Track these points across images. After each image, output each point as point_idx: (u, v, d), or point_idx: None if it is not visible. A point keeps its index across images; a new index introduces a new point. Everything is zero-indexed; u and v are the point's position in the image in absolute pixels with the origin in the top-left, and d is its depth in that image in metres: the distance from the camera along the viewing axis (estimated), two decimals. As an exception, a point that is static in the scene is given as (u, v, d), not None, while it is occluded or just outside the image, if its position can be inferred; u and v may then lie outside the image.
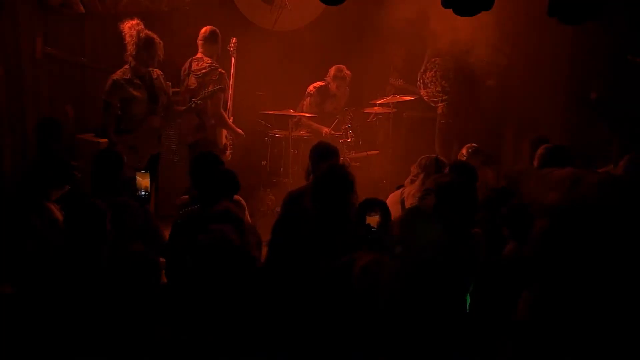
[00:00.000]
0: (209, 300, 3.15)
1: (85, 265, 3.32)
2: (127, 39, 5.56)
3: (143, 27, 5.58)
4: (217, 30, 6.20)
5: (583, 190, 3.44)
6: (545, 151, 4.66)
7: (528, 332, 2.96)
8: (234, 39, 6.47)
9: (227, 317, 3.13)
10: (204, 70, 6.08)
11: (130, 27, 5.54)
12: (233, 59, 6.45)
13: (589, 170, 4.26)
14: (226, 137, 6.44)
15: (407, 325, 3.07)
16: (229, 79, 6.31)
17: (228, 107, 6.38)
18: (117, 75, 5.61)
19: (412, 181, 4.92)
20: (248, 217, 4.54)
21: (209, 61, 6.10)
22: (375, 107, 7.28)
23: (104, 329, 3.22)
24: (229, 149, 6.50)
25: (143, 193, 4.40)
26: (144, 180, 4.43)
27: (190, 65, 6.17)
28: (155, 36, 5.63)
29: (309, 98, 7.26)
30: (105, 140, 5.96)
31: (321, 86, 7.27)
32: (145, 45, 5.57)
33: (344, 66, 7.22)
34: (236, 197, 4.36)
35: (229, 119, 6.37)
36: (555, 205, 3.31)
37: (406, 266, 3.17)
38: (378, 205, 3.61)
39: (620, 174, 4.38)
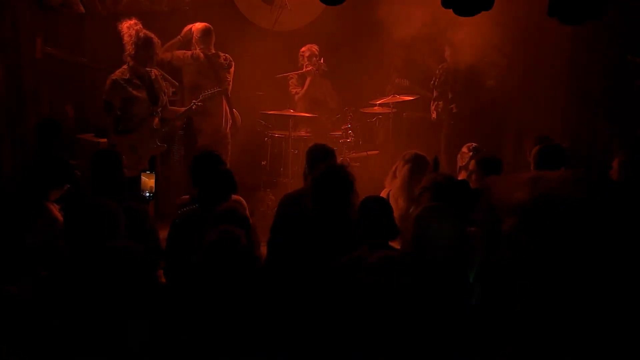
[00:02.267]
0: (210, 300, 3.15)
1: (92, 266, 3.31)
2: (126, 38, 5.56)
3: (141, 26, 5.58)
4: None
5: (545, 186, 3.50)
6: (538, 150, 4.67)
7: (524, 331, 2.97)
8: None
9: (227, 317, 3.13)
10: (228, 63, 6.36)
11: (129, 27, 5.54)
12: None
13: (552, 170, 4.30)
14: None
15: (409, 324, 3.07)
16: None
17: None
18: (117, 75, 5.60)
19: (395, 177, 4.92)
20: (249, 217, 4.54)
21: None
22: (375, 107, 7.28)
23: (104, 329, 3.22)
24: None
25: (148, 194, 4.40)
26: (149, 181, 4.43)
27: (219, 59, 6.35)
28: (153, 36, 5.63)
29: (291, 80, 7.41)
30: (105, 140, 5.96)
31: (300, 73, 7.41)
32: (144, 45, 5.56)
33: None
34: (237, 197, 4.36)
35: None
36: (520, 203, 3.36)
37: (416, 264, 3.16)
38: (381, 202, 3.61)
39: (616, 177, 4.41)
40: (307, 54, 7.30)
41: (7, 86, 5.76)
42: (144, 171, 4.52)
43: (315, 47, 7.33)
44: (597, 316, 2.89)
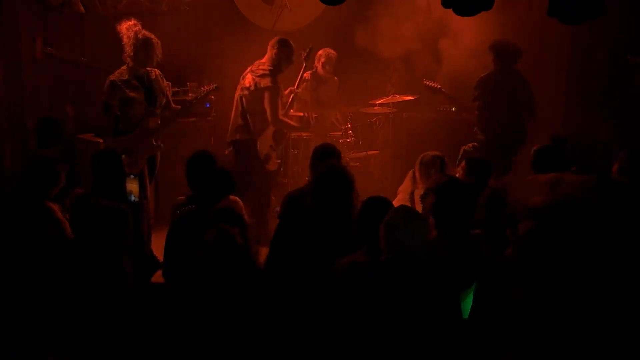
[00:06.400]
0: (210, 299, 3.15)
1: (98, 266, 3.32)
2: (125, 39, 5.54)
3: (140, 27, 5.57)
4: (283, 40, 6.13)
5: (564, 190, 3.50)
6: (535, 151, 4.70)
7: (525, 333, 2.96)
8: (308, 48, 6.50)
9: (227, 317, 3.13)
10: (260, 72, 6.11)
11: (128, 28, 5.52)
12: (304, 64, 6.50)
13: (568, 172, 4.31)
14: (271, 147, 6.25)
15: (404, 327, 3.07)
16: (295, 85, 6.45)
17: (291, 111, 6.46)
18: (115, 76, 5.59)
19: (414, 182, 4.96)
20: (246, 216, 4.54)
21: (266, 67, 6.09)
22: (376, 107, 7.28)
23: (104, 329, 3.22)
24: (273, 159, 6.31)
25: (133, 199, 4.40)
26: (132, 186, 4.42)
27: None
28: (153, 36, 5.61)
29: (304, 84, 7.18)
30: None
31: (313, 72, 7.30)
32: (143, 45, 5.54)
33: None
34: (234, 197, 4.37)
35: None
36: (539, 206, 3.35)
37: (393, 267, 3.16)
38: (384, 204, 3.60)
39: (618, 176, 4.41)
40: (323, 59, 7.22)
41: (7, 86, 5.76)
42: (128, 176, 4.51)
43: (334, 54, 7.25)
44: (605, 320, 2.88)
